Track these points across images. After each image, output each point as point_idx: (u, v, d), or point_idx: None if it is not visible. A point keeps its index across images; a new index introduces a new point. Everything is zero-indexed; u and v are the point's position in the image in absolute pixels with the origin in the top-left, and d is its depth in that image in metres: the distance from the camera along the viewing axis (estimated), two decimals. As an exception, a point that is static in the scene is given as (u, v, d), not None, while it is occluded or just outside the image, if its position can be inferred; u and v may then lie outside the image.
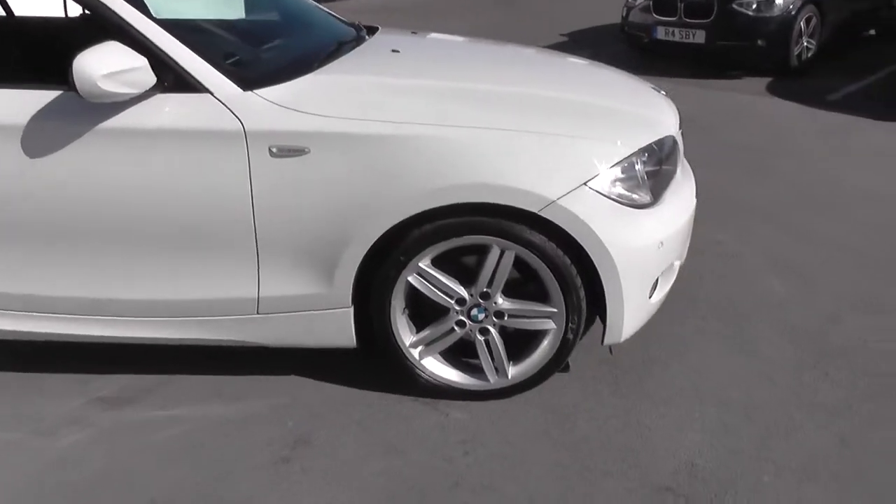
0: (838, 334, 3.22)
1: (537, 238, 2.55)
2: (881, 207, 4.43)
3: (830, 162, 5.21)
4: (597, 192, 2.55)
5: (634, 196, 2.64)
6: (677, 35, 7.74)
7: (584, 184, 2.54)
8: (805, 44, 7.49)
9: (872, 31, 8.85)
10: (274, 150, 2.53)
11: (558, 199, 2.49)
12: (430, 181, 2.50)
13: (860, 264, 3.79)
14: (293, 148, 2.52)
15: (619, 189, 2.61)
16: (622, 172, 2.62)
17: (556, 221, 2.51)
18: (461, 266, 2.70)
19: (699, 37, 7.58)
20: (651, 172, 2.70)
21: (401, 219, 2.54)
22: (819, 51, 7.64)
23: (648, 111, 3.01)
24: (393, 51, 3.37)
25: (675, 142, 2.90)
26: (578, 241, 2.53)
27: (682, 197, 2.92)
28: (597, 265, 2.56)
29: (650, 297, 2.76)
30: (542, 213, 2.50)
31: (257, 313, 2.73)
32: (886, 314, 3.36)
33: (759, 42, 7.36)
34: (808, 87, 7.01)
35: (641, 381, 2.95)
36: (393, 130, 2.52)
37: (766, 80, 7.37)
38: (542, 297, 2.69)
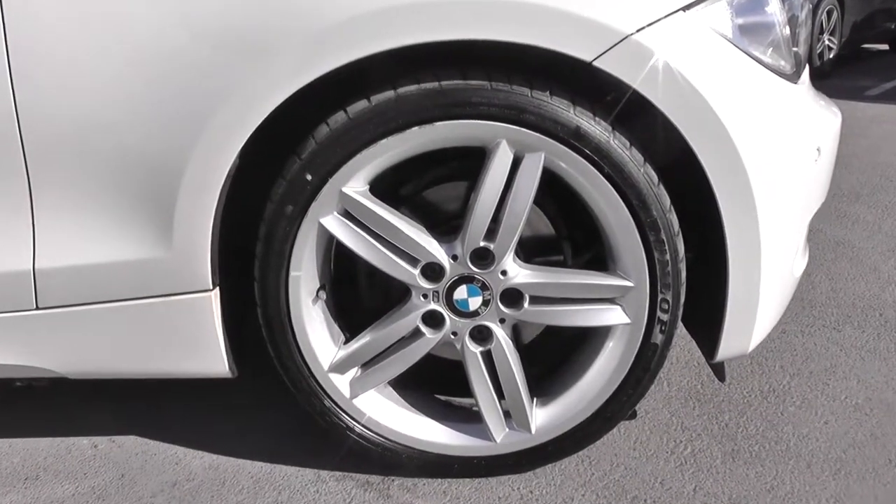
0: None
1: (592, 126, 1.21)
2: None
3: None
4: (710, 28, 1.24)
5: (765, 58, 1.33)
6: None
7: (686, 9, 1.22)
8: (826, 42, 6.39)
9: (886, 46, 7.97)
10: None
11: (638, 30, 1.17)
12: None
13: None
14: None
15: (745, 38, 1.30)
16: (745, 10, 1.31)
17: (628, 81, 1.17)
18: (428, 201, 1.37)
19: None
20: (791, 20, 1.40)
21: (305, 82, 1.18)
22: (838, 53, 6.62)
23: None
24: None
25: None
26: (678, 127, 1.20)
27: (818, 94, 1.62)
28: (713, 185, 1.23)
29: (793, 266, 1.43)
30: (601, 65, 1.17)
31: (36, 307, 1.35)
32: None
33: None
34: (839, 86, 5.88)
35: (777, 433, 1.58)
36: None
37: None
38: (597, 260, 1.35)
